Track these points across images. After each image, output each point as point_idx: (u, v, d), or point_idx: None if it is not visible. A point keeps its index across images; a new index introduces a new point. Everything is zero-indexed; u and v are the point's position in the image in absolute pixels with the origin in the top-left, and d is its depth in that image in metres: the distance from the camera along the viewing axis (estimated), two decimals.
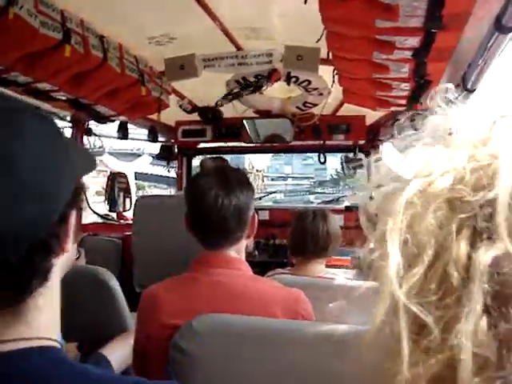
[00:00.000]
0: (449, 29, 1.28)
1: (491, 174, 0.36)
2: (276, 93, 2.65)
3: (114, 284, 1.41)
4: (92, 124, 2.71)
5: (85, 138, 2.76)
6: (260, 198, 4.34)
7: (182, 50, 2.12)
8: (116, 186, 3.12)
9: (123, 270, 2.34)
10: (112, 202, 3.10)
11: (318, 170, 19.69)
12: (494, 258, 0.33)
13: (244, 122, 3.01)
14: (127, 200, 3.14)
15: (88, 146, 2.78)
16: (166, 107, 2.45)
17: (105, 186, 3.18)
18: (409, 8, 1.22)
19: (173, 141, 3.32)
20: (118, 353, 1.23)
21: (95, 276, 1.40)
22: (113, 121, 2.59)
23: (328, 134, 3.01)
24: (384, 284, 0.37)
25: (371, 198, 0.44)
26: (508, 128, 0.40)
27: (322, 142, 3.10)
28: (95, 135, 2.84)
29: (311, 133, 2.96)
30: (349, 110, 2.72)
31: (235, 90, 2.43)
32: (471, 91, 1.66)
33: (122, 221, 3.21)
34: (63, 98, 2.03)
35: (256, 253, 2.89)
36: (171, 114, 2.70)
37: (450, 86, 0.45)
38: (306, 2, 1.38)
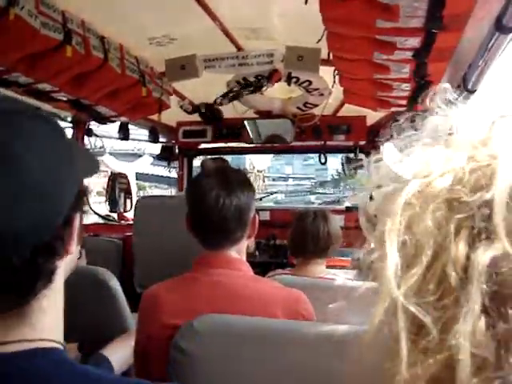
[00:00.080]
0: (449, 29, 1.27)
1: (490, 175, 0.36)
2: (277, 93, 2.65)
3: (115, 284, 1.41)
4: (93, 124, 2.72)
5: (86, 138, 2.76)
6: (261, 199, 4.33)
7: (183, 51, 2.13)
8: (117, 186, 3.11)
9: (124, 271, 2.34)
10: (113, 203, 3.09)
11: (319, 170, 19.63)
12: (492, 258, 0.33)
13: (245, 122, 3.01)
14: (128, 200, 3.13)
15: (89, 147, 2.78)
16: (166, 108, 2.45)
17: (105, 187, 3.17)
18: (409, 8, 1.22)
19: (173, 141, 3.32)
20: (119, 353, 1.23)
21: (96, 276, 1.40)
22: (113, 121, 2.59)
23: (329, 135, 3.01)
24: (383, 284, 0.37)
25: (371, 198, 0.44)
26: (507, 128, 0.40)
27: (322, 142, 3.09)
28: (96, 136, 2.84)
29: (312, 133, 2.95)
30: (349, 110, 2.72)
31: (235, 89, 2.42)
32: (472, 92, 1.66)
33: (122, 221, 3.22)
34: (64, 98, 2.03)
35: (257, 253, 2.88)
36: (172, 115, 2.70)
37: (448, 86, 0.45)
38: (306, 3, 1.38)
